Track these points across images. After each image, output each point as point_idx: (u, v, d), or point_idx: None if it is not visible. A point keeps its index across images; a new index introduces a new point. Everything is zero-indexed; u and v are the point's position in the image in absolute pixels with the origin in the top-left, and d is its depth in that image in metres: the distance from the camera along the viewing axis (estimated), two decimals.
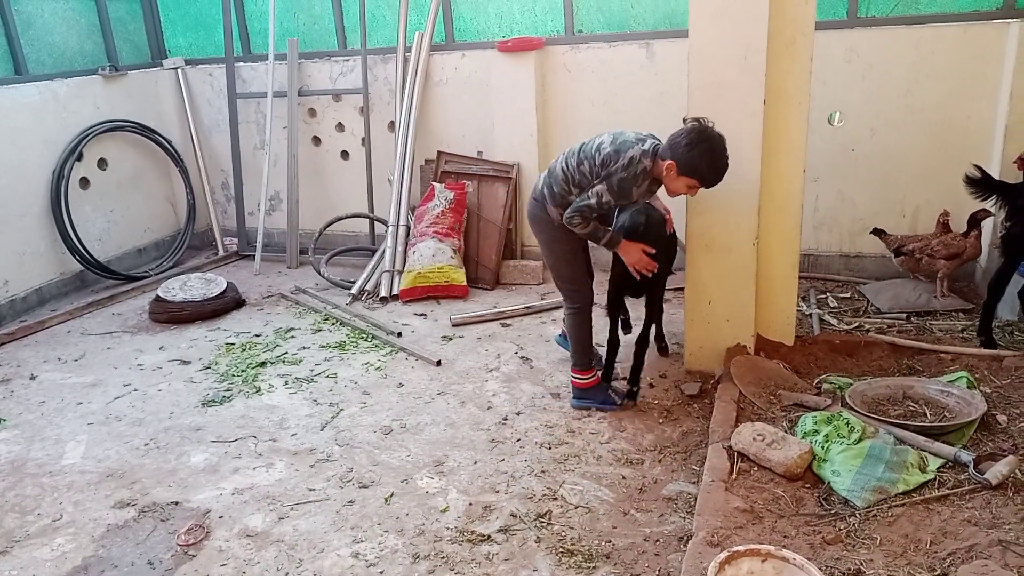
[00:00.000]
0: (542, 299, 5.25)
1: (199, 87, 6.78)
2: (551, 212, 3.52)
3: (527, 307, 5.10)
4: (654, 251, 3.54)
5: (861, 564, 2.46)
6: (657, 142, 3.35)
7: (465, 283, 5.50)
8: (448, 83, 5.98)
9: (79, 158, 5.92)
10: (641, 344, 3.89)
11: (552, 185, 3.50)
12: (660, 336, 4.37)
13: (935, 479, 2.86)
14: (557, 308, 4.86)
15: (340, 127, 6.41)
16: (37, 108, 5.67)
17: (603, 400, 3.77)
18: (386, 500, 3.18)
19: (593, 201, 3.34)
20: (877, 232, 4.89)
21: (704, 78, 3.61)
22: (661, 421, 3.66)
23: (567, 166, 3.46)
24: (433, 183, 5.80)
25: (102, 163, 6.22)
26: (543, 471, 3.32)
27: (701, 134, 3.19)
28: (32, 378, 4.56)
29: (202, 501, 3.27)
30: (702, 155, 3.18)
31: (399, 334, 4.80)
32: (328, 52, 6.36)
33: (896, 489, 2.79)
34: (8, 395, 4.36)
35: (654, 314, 4.02)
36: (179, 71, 6.70)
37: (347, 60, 6.24)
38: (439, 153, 6.00)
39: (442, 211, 5.62)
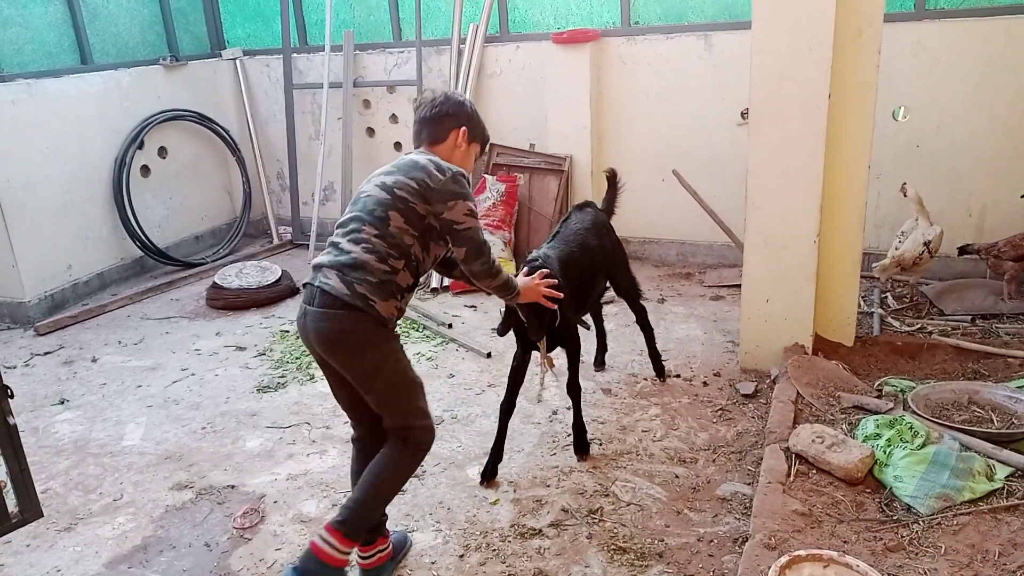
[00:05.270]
0: None
1: (256, 78, 6.88)
2: (382, 311, 2.43)
3: None
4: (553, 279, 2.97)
5: (925, 573, 2.39)
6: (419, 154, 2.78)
7: None
8: (502, 75, 5.97)
9: (140, 146, 6.05)
10: (575, 391, 3.36)
11: (364, 273, 2.48)
12: (655, 354, 4.03)
13: (1003, 488, 2.76)
14: (609, 303, 4.81)
15: (394, 118, 6.44)
16: (101, 97, 5.81)
17: None
18: (437, 490, 3.19)
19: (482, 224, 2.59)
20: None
21: (766, 71, 3.54)
22: (715, 420, 3.61)
23: (380, 235, 2.59)
24: (485, 175, 5.80)
25: (162, 151, 6.35)
26: (594, 467, 3.30)
27: (450, 98, 2.86)
28: (94, 360, 4.69)
29: (257, 485, 3.33)
30: (474, 112, 2.88)
31: (450, 325, 4.82)
32: (383, 44, 6.39)
33: (962, 497, 2.71)
34: (71, 376, 4.48)
35: (575, 352, 3.36)
36: (237, 62, 6.81)
37: (402, 52, 6.26)
38: (491, 145, 5.99)
39: (493, 204, 5.61)
